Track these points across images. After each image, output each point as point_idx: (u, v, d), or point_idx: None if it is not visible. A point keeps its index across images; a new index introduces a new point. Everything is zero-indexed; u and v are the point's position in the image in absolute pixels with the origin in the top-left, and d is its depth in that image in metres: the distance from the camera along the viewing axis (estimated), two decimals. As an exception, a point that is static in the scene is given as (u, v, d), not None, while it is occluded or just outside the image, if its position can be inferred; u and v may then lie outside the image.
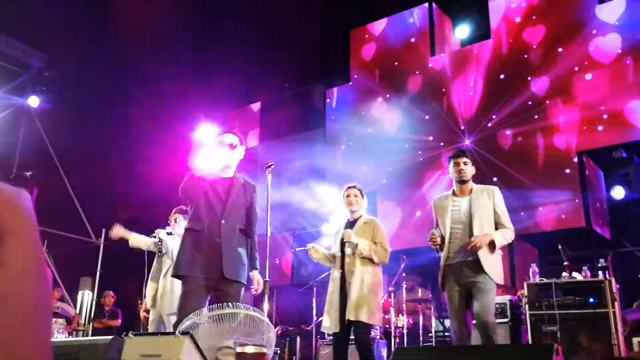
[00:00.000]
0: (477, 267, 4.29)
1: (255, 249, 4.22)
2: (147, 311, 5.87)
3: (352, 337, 4.87)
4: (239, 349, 3.06)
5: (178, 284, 4.29)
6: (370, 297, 4.69)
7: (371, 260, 4.79)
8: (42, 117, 11.59)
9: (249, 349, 3.05)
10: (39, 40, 11.16)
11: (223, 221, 3.98)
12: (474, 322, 4.34)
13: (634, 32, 8.91)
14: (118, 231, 5.95)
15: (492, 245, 4.30)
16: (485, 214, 4.41)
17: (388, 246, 4.87)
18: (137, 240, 5.98)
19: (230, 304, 3.41)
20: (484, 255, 4.28)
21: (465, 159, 4.54)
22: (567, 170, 9.01)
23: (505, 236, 4.39)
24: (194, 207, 4.07)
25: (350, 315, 4.64)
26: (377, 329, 7.52)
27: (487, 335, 4.17)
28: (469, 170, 4.54)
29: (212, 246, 3.92)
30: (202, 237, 3.94)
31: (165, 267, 5.73)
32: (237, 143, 4.20)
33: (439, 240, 4.46)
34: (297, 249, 12.44)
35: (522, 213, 8.61)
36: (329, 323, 4.83)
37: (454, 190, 4.62)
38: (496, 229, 4.41)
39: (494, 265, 4.32)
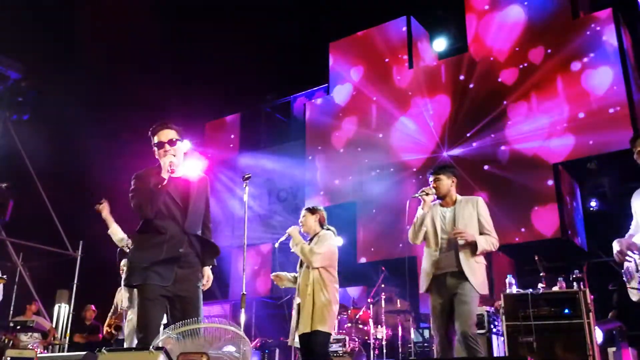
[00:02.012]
0: (461, 277, 4.38)
1: (209, 243, 3.91)
2: (112, 324, 5.79)
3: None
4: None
5: None
6: (322, 306, 4.75)
7: (321, 275, 4.85)
8: (19, 129, 11.45)
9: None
10: (16, 52, 11.05)
11: (186, 228, 3.74)
12: (456, 333, 4.37)
13: (607, 45, 9.07)
14: (104, 208, 5.87)
15: (474, 248, 4.41)
16: (469, 224, 4.52)
17: (318, 250, 4.88)
18: (116, 231, 5.92)
19: (204, 318, 3.40)
20: (466, 264, 4.39)
21: (436, 176, 4.70)
22: (543, 182, 9.12)
23: (489, 242, 4.49)
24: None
25: (303, 328, 4.74)
26: (356, 340, 7.53)
27: (468, 345, 4.21)
28: (442, 185, 4.67)
29: (173, 253, 3.68)
30: (163, 245, 3.67)
31: None
32: (177, 137, 3.85)
33: (431, 196, 4.62)
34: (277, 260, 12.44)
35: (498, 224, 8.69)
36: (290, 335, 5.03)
37: (440, 202, 4.76)
38: None
39: (477, 275, 4.41)
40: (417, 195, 4.69)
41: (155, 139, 3.86)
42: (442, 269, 4.48)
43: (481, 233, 4.53)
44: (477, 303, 4.43)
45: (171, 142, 3.81)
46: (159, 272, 3.63)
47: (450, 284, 4.41)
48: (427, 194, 4.62)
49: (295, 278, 5.13)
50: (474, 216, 4.56)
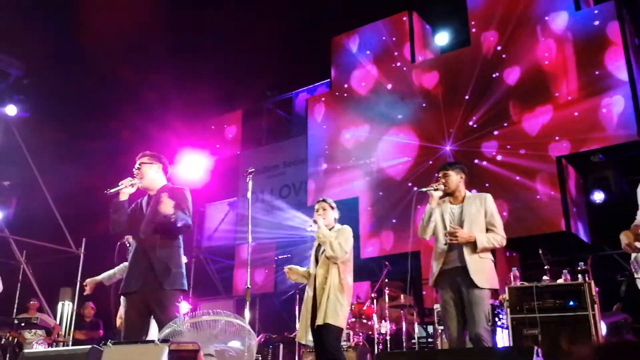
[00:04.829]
0: (465, 273, 4.32)
1: (170, 261, 4.17)
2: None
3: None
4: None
5: None
6: (336, 300, 4.71)
7: (339, 270, 4.82)
8: (20, 126, 11.45)
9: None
10: (17, 49, 11.04)
11: (142, 236, 4.18)
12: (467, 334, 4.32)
13: (610, 37, 9.04)
14: (91, 283, 6.38)
15: (474, 246, 4.34)
16: (475, 221, 4.45)
17: (346, 247, 4.85)
18: (108, 275, 6.33)
19: (210, 312, 3.40)
20: (471, 260, 4.33)
21: (445, 172, 4.63)
22: (547, 175, 9.10)
23: (491, 239, 4.40)
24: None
25: (318, 321, 4.68)
26: (360, 335, 7.53)
27: (480, 347, 4.16)
28: (450, 181, 4.60)
29: (139, 261, 4.14)
30: (131, 254, 4.23)
31: None
32: (146, 161, 4.36)
33: (439, 192, 4.57)
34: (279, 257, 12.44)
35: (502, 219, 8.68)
36: (299, 332, 4.96)
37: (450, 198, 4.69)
38: None
39: (481, 271, 4.33)
40: (424, 190, 4.61)
41: None
42: (449, 263, 4.44)
43: (487, 230, 4.46)
44: (487, 300, 4.35)
45: (138, 169, 4.34)
46: (129, 281, 4.15)
47: (459, 281, 4.36)
48: (435, 189, 4.55)
49: (308, 272, 5.06)
50: (481, 212, 4.50)
